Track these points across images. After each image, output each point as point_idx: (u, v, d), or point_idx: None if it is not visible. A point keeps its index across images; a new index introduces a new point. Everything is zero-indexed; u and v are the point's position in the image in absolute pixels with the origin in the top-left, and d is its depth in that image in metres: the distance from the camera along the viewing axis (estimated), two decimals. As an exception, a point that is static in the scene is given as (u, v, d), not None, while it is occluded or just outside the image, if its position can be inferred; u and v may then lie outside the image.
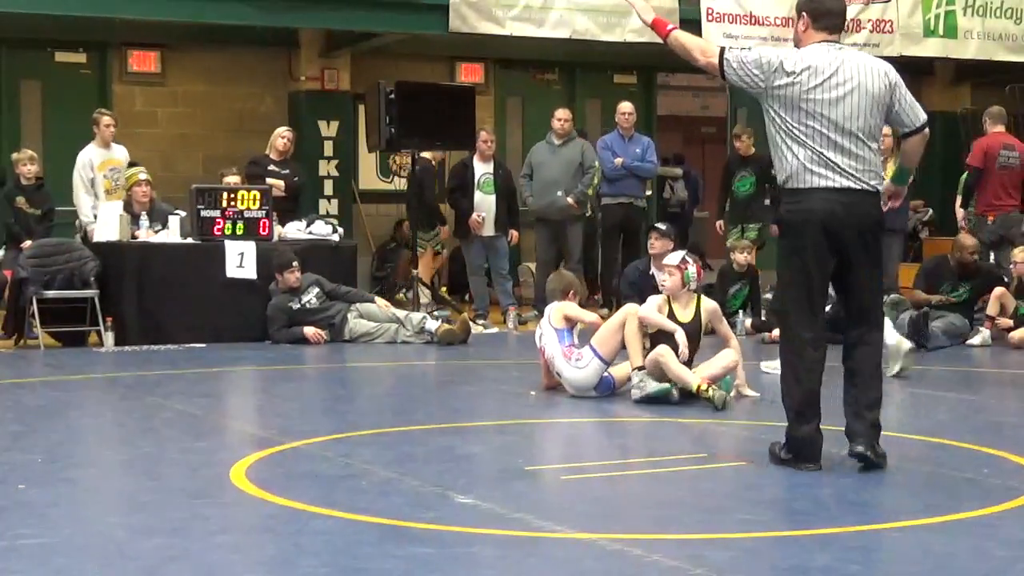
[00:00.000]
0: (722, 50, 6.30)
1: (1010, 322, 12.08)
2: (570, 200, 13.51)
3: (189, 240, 12.13)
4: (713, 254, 16.35)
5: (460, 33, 14.52)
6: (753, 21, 15.51)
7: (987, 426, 7.90)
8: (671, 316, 8.52)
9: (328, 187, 15.77)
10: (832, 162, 6.12)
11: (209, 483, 6.02)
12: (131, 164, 12.53)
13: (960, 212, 13.67)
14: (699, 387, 8.06)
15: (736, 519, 5.40)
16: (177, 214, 12.34)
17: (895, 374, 9.36)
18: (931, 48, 16.47)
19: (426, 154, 14.09)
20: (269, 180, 13.11)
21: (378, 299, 12.50)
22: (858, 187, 6.16)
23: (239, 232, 12.14)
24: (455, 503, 5.55)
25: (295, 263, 11.83)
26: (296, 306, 11.86)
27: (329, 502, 5.51)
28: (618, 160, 13.83)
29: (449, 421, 7.96)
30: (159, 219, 12.20)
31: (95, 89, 15.32)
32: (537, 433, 7.78)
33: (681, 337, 8.35)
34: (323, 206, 15.53)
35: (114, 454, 7.08)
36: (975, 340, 11.99)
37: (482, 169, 13.54)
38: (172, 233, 12.14)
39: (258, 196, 12.30)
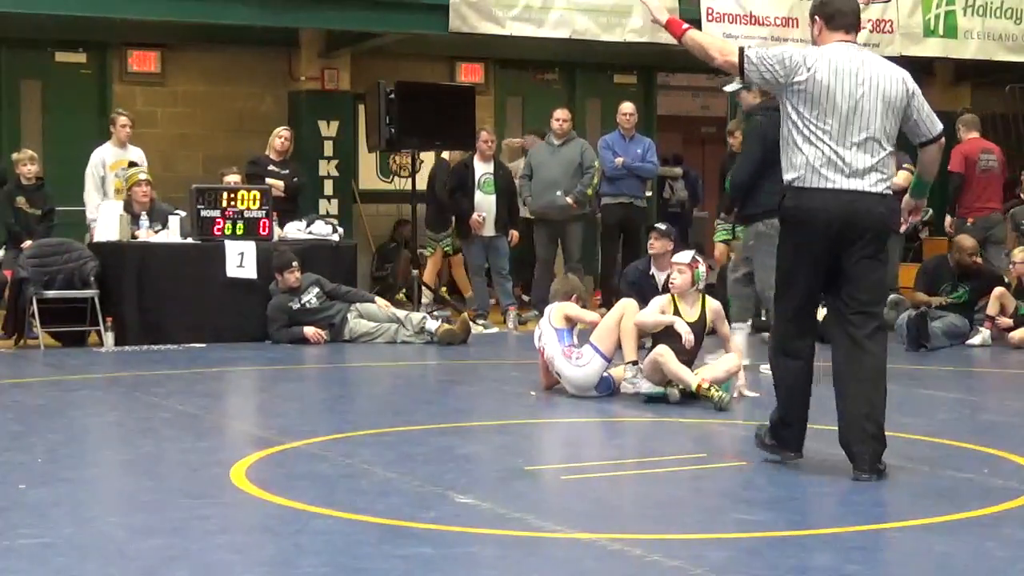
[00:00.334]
0: (741, 49, 6.23)
1: (1010, 322, 12.08)
2: (569, 200, 13.51)
3: (189, 240, 12.12)
4: (712, 254, 16.31)
5: (460, 33, 14.51)
6: (753, 21, 15.50)
7: (987, 426, 7.90)
8: (676, 315, 8.51)
9: (328, 187, 15.77)
10: (844, 163, 6.08)
11: (209, 483, 6.02)
12: (131, 164, 12.53)
13: (948, 219, 13.91)
14: (699, 386, 8.07)
15: (736, 519, 5.41)
16: (177, 214, 12.34)
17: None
18: (931, 48, 16.46)
19: (444, 154, 14.07)
20: (268, 180, 13.12)
21: (378, 299, 12.50)
22: (867, 190, 6.10)
23: (239, 232, 12.14)
24: (455, 503, 5.55)
25: (295, 263, 11.83)
26: (296, 306, 11.86)
27: (329, 502, 5.51)
28: (619, 160, 13.82)
29: (449, 421, 7.96)
30: (159, 219, 12.20)
31: (95, 89, 15.31)
32: (537, 433, 7.79)
33: (682, 326, 8.33)
34: (323, 206, 15.53)
35: (114, 454, 7.08)
36: (975, 340, 11.99)
37: (482, 169, 13.54)
38: (172, 233, 12.14)
39: (258, 196, 12.31)
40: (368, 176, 16.48)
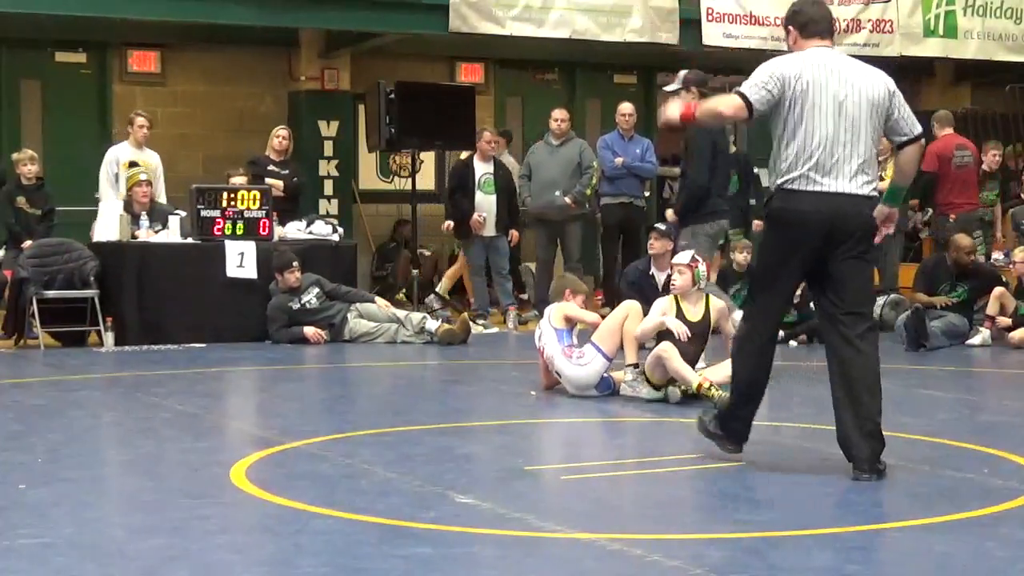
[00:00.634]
0: (739, 93, 6.15)
1: (1009, 322, 12.08)
2: (568, 200, 13.51)
3: (189, 240, 12.12)
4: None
5: (460, 33, 14.52)
6: (753, 21, 15.50)
7: (987, 426, 7.90)
8: (679, 315, 8.51)
9: (328, 187, 15.76)
10: (832, 165, 6.09)
11: (209, 483, 6.02)
12: (132, 164, 12.51)
13: (917, 216, 14.16)
14: (700, 385, 8.06)
15: (736, 519, 5.41)
16: (177, 214, 12.34)
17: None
18: (931, 48, 16.46)
19: (464, 154, 14.08)
20: (268, 180, 13.12)
21: (378, 299, 12.50)
22: (855, 192, 6.12)
23: (239, 232, 12.14)
24: (455, 503, 5.55)
25: (295, 263, 11.83)
26: (296, 306, 11.86)
27: (329, 502, 5.51)
28: (618, 160, 13.82)
29: (449, 421, 7.96)
30: (159, 219, 12.20)
31: (95, 89, 15.31)
32: (537, 433, 7.79)
33: (672, 323, 8.32)
34: (323, 206, 15.52)
35: (114, 454, 7.08)
36: (975, 340, 11.99)
37: (482, 169, 13.53)
38: (172, 233, 12.13)
39: (258, 196, 12.30)
40: (368, 176, 16.48)
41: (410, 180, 14.12)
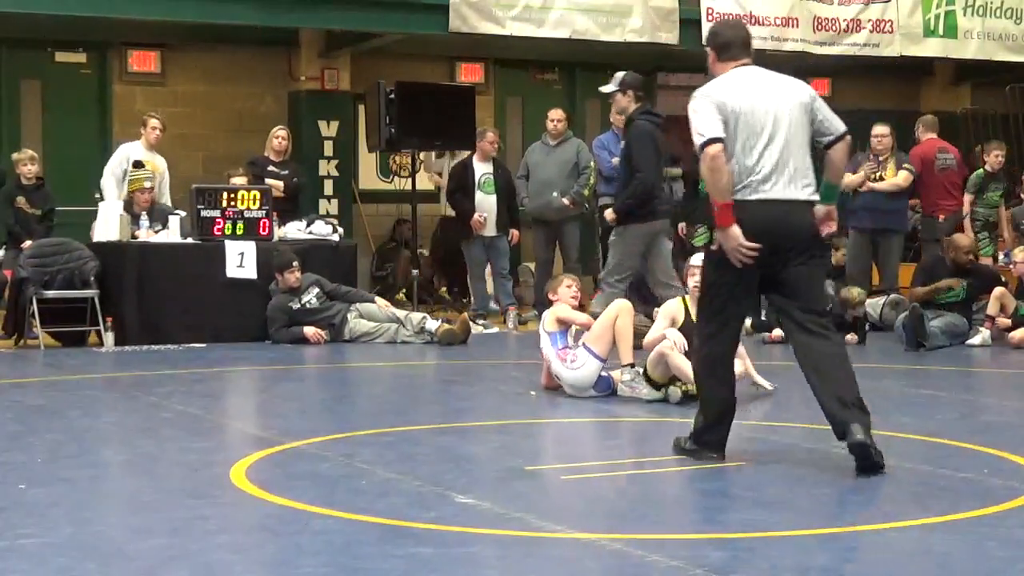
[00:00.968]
0: (706, 141, 6.23)
1: (1009, 322, 12.08)
2: (566, 201, 13.51)
3: (189, 240, 12.13)
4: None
5: (460, 33, 14.52)
6: (753, 21, 15.50)
7: (987, 426, 7.90)
8: (688, 319, 8.49)
9: (328, 187, 15.77)
10: (771, 174, 6.25)
11: (209, 483, 6.02)
12: (137, 165, 12.48)
13: (917, 216, 14.32)
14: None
15: (736, 519, 5.41)
16: (177, 214, 12.34)
17: None
18: (931, 48, 16.47)
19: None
20: (268, 180, 13.12)
21: (378, 299, 12.51)
22: (797, 198, 6.28)
23: (239, 232, 12.14)
24: (455, 503, 5.55)
25: (295, 263, 11.83)
26: (296, 306, 11.86)
27: (329, 502, 5.51)
28: (615, 160, 13.80)
29: (449, 421, 7.96)
30: (159, 219, 12.20)
31: (95, 89, 15.32)
32: (537, 433, 7.78)
33: (673, 335, 8.31)
34: (323, 206, 15.53)
35: (114, 454, 7.08)
36: (975, 340, 11.99)
37: (482, 169, 13.53)
38: (172, 233, 12.14)
39: (258, 196, 12.31)
40: (368, 176, 16.48)
41: (410, 180, 14.12)
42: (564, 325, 8.74)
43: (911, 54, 16.35)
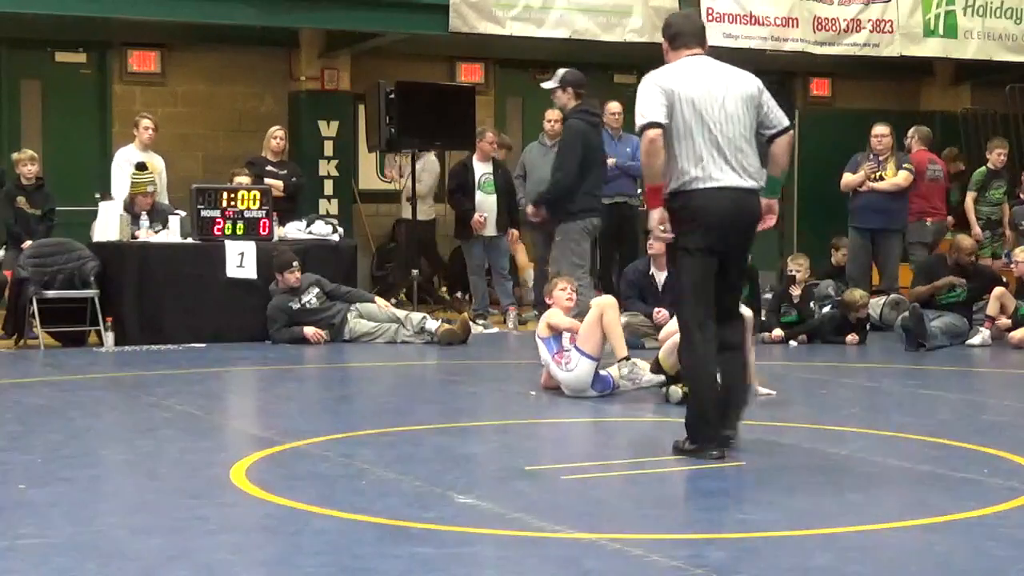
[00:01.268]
0: (645, 125, 6.46)
1: (1009, 322, 12.08)
2: None
3: (189, 240, 12.12)
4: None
5: (460, 33, 14.52)
6: (753, 21, 15.51)
7: (987, 426, 7.90)
8: None
9: (328, 187, 15.76)
10: (723, 162, 6.48)
11: (209, 483, 6.02)
12: (141, 166, 12.47)
13: None
14: None
15: (736, 519, 5.41)
16: (177, 214, 12.34)
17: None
18: (931, 48, 16.46)
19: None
20: (267, 180, 13.12)
21: (378, 299, 12.50)
22: (744, 185, 6.52)
23: (239, 232, 12.14)
24: (455, 503, 5.55)
25: (295, 263, 11.83)
26: (296, 306, 11.86)
27: (329, 502, 5.51)
28: (611, 160, 13.80)
29: (449, 421, 7.96)
30: (159, 219, 12.20)
31: (95, 89, 15.32)
32: (537, 433, 7.78)
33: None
34: (323, 206, 15.52)
35: (114, 454, 7.07)
36: (975, 340, 11.99)
37: (482, 169, 13.53)
38: (172, 233, 12.13)
39: (258, 196, 12.31)
40: (368, 176, 16.48)
41: (410, 180, 14.11)
42: (556, 330, 8.75)
43: (911, 54, 16.34)
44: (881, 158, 13.39)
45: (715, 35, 15.38)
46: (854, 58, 16.30)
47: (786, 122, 6.70)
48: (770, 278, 14.96)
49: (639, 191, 14.69)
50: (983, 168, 14.50)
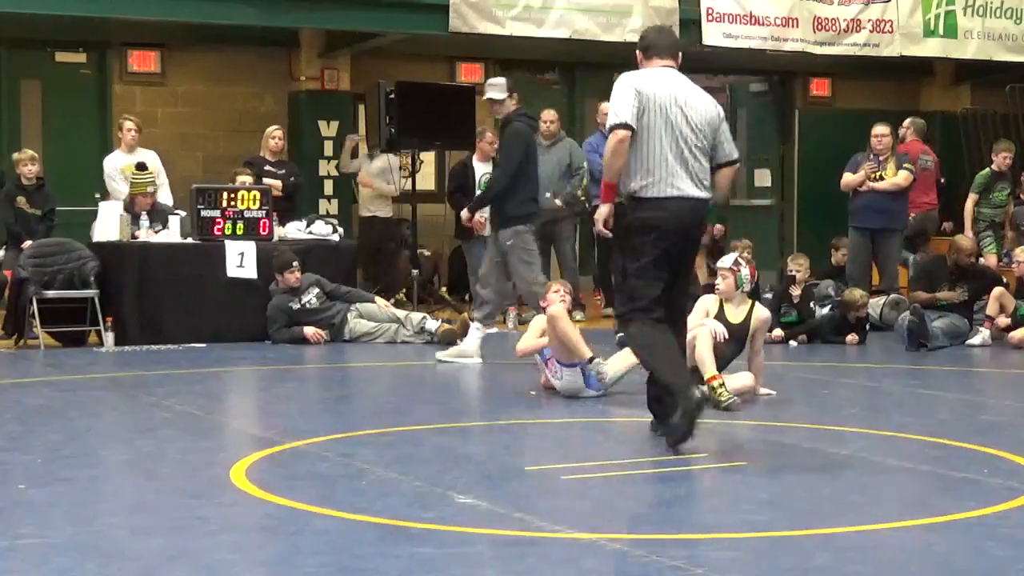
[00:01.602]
0: (616, 125, 6.76)
1: (1009, 322, 12.08)
2: (558, 202, 13.49)
3: (189, 240, 12.12)
4: (713, 254, 16.35)
5: (460, 33, 14.52)
6: (753, 21, 15.51)
7: (987, 426, 7.90)
8: (720, 316, 8.50)
9: (328, 187, 15.76)
10: (683, 171, 6.78)
11: (209, 483, 6.02)
12: (141, 166, 12.47)
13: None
14: (712, 378, 8.04)
15: (736, 519, 5.41)
16: (177, 214, 12.34)
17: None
18: (931, 48, 16.46)
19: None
20: (266, 180, 13.12)
21: (378, 299, 12.50)
22: (699, 196, 6.85)
23: (239, 232, 12.14)
24: (455, 503, 5.55)
25: (295, 263, 11.83)
26: (296, 306, 11.86)
27: (329, 502, 5.51)
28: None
29: (449, 421, 7.96)
30: (159, 219, 12.20)
31: (95, 89, 15.32)
32: (537, 433, 7.79)
33: (711, 324, 8.35)
34: (323, 206, 15.53)
35: (114, 454, 7.08)
36: (975, 340, 11.98)
37: (482, 169, 13.52)
38: (172, 233, 12.13)
39: (258, 196, 12.30)
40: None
41: (410, 180, 14.12)
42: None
43: (911, 54, 16.34)
44: (881, 158, 13.39)
45: (715, 35, 15.42)
46: (854, 58, 16.30)
47: (736, 155, 7.02)
48: (770, 278, 14.97)
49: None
50: (986, 170, 14.39)
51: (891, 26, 16.13)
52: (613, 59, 16.59)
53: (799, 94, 18.18)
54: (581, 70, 17.38)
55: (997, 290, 12.23)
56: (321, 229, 12.80)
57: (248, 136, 14.95)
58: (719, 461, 6.72)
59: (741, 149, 19.06)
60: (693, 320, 8.45)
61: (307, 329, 11.77)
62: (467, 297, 14.75)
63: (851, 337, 11.96)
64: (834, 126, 17.05)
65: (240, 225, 12.14)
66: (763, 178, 18.31)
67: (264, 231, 12.25)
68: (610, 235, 6.93)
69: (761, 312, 8.70)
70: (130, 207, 12.21)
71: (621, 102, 6.76)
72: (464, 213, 11.15)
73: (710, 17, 15.33)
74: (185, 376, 9.94)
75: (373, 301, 12.28)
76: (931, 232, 14.57)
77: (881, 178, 13.34)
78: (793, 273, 12.52)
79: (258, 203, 12.25)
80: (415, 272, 13.63)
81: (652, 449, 7.00)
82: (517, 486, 5.99)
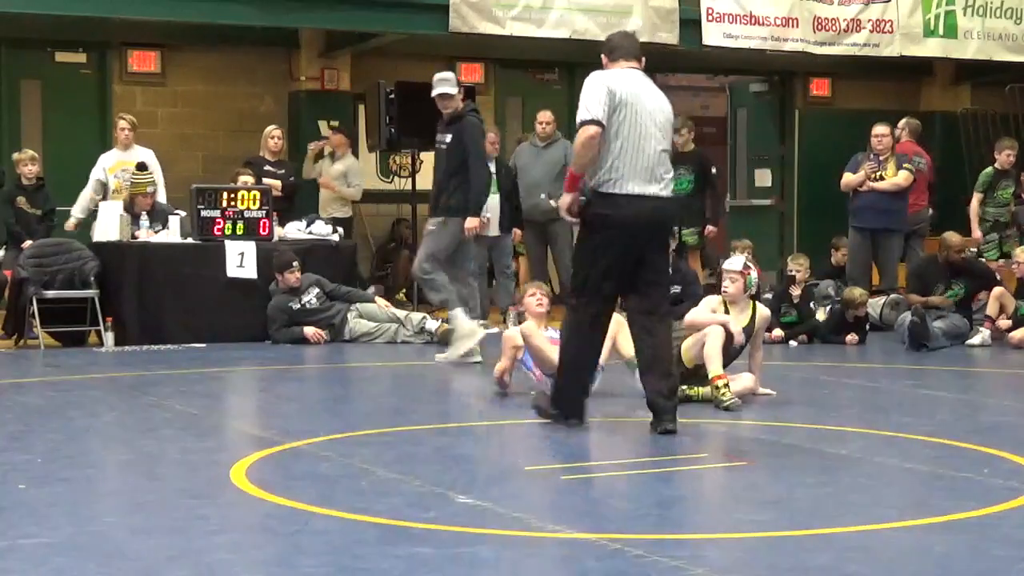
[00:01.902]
0: (586, 121, 6.97)
1: (1009, 323, 12.08)
2: (553, 203, 13.48)
3: (189, 240, 12.13)
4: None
5: (460, 33, 14.52)
6: (753, 21, 15.50)
7: (987, 426, 7.90)
8: (727, 312, 8.49)
9: (328, 187, 15.74)
10: (648, 171, 7.01)
11: (209, 483, 6.03)
12: (142, 166, 12.47)
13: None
14: (717, 377, 8.03)
15: (736, 519, 5.41)
16: (177, 214, 12.34)
17: (462, 355, 10.33)
18: (931, 48, 16.46)
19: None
20: (266, 180, 13.12)
21: (378, 299, 12.51)
22: (663, 194, 7.10)
23: (239, 232, 12.14)
24: (455, 503, 5.55)
25: (295, 263, 11.83)
26: (296, 306, 11.86)
27: (329, 502, 5.51)
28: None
29: (449, 421, 7.96)
30: (159, 219, 12.20)
31: (95, 89, 15.31)
32: (537, 433, 7.78)
33: (734, 326, 8.31)
34: (323, 206, 15.50)
35: (114, 454, 7.08)
36: (975, 340, 11.98)
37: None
38: (172, 233, 12.14)
39: (258, 196, 12.31)
40: (368, 176, 16.45)
41: (410, 180, 14.11)
42: (516, 352, 8.69)
43: (911, 54, 16.33)
44: (881, 158, 13.38)
45: (715, 35, 15.42)
46: (854, 58, 16.30)
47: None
48: (770, 278, 14.97)
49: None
50: (989, 169, 14.17)
51: (891, 26, 16.13)
52: (613, 59, 16.63)
53: (799, 94, 18.17)
54: (581, 70, 17.29)
55: (997, 290, 12.23)
56: (321, 229, 12.81)
57: (248, 136, 14.95)
58: (719, 461, 6.72)
59: (741, 149, 18.98)
60: (698, 317, 8.44)
61: (307, 329, 11.78)
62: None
63: (851, 337, 11.97)
64: (834, 126, 17.04)
65: (240, 225, 12.15)
66: (763, 178, 18.30)
67: (264, 231, 12.25)
68: (576, 221, 7.19)
69: (763, 311, 8.72)
70: (130, 207, 12.21)
71: (593, 98, 6.97)
72: (468, 224, 10.90)
73: (710, 17, 15.33)
74: (185, 376, 9.94)
75: (373, 301, 12.29)
76: (923, 231, 14.46)
77: (881, 178, 13.33)
78: (793, 273, 12.52)
79: (258, 203, 12.26)
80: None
81: (652, 449, 7.00)
82: (517, 486, 5.99)
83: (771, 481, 6.07)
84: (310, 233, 12.75)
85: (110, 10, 13.60)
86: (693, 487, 6.11)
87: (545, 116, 13.84)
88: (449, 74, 10.76)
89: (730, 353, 8.36)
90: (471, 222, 10.73)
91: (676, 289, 11.70)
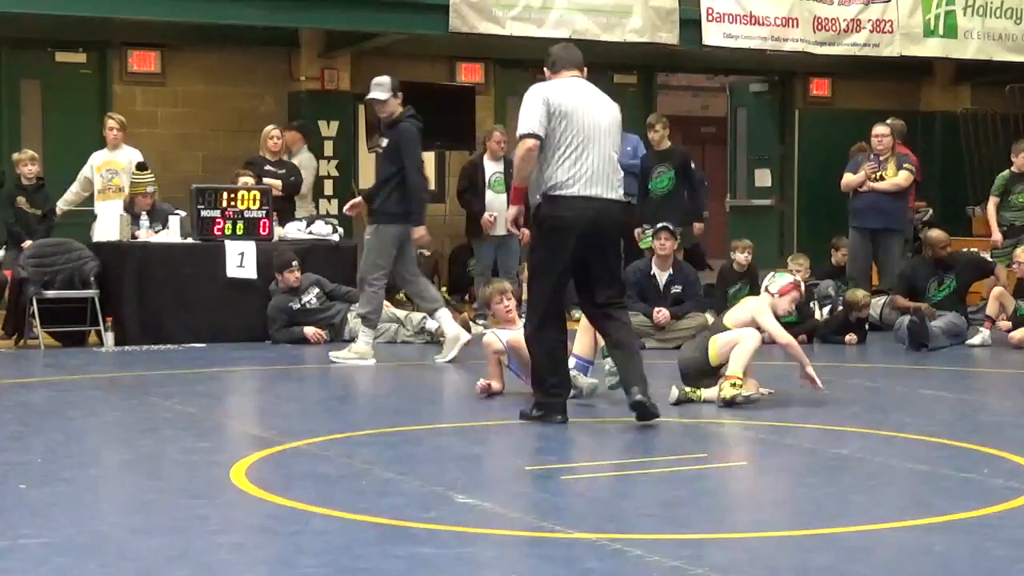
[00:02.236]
0: (525, 135, 7.27)
1: (1009, 324, 12.07)
2: None
3: (189, 240, 12.12)
4: (713, 254, 16.35)
5: (460, 33, 14.52)
6: (753, 21, 15.50)
7: (987, 426, 7.90)
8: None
9: (328, 187, 15.76)
10: (594, 174, 7.23)
11: (209, 483, 6.03)
12: (142, 166, 12.46)
13: (917, 216, 14.78)
14: (734, 377, 8.01)
15: (736, 519, 5.41)
16: (177, 214, 12.34)
17: (449, 360, 10.49)
18: (931, 48, 16.46)
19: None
20: (266, 180, 13.12)
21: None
22: (611, 197, 7.31)
23: (239, 232, 12.14)
24: (455, 503, 5.55)
25: (295, 263, 11.83)
26: (296, 306, 11.86)
27: (329, 502, 5.51)
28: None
29: (449, 421, 7.96)
30: (159, 219, 12.20)
31: (95, 89, 15.31)
32: (537, 433, 7.77)
33: (796, 352, 8.38)
34: (323, 206, 15.52)
35: (114, 454, 7.08)
36: (975, 340, 11.97)
37: (493, 168, 13.52)
38: (172, 233, 12.13)
39: (258, 196, 12.30)
40: (368, 176, 16.46)
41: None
42: (499, 357, 8.67)
43: (911, 54, 16.33)
44: (881, 158, 13.38)
45: (715, 35, 15.42)
46: (854, 58, 16.30)
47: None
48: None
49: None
50: (1006, 172, 13.79)
51: (891, 26, 16.13)
52: (613, 59, 16.64)
53: (799, 94, 18.17)
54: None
55: (997, 290, 12.23)
56: (321, 229, 12.80)
57: (248, 136, 14.95)
58: (719, 461, 6.72)
59: (741, 149, 18.96)
60: (741, 317, 8.40)
61: (307, 329, 11.78)
62: (467, 297, 14.77)
63: (850, 337, 11.97)
64: (834, 126, 17.04)
65: (240, 225, 12.14)
66: (763, 178, 18.30)
67: (264, 231, 12.25)
68: (524, 232, 7.56)
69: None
70: (130, 207, 12.21)
71: (530, 112, 7.25)
72: (416, 233, 10.76)
73: (710, 17, 15.33)
74: (185, 376, 9.94)
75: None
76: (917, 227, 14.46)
77: (881, 178, 13.33)
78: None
79: (258, 203, 12.26)
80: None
81: (652, 449, 7.00)
82: (517, 486, 5.99)
83: (771, 481, 6.07)
84: (310, 233, 12.75)
85: (110, 10, 13.60)
86: (693, 487, 6.11)
87: None
88: (384, 79, 10.68)
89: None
90: (418, 231, 10.59)
91: (677, 289, 11.73)
